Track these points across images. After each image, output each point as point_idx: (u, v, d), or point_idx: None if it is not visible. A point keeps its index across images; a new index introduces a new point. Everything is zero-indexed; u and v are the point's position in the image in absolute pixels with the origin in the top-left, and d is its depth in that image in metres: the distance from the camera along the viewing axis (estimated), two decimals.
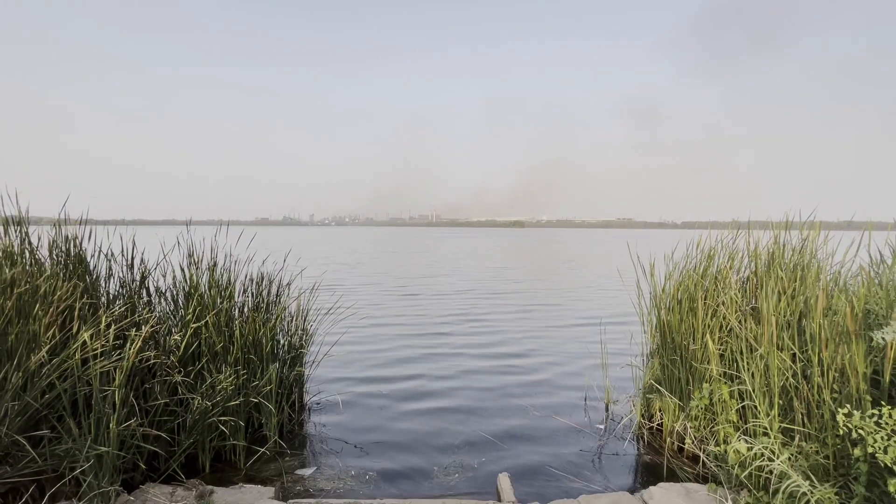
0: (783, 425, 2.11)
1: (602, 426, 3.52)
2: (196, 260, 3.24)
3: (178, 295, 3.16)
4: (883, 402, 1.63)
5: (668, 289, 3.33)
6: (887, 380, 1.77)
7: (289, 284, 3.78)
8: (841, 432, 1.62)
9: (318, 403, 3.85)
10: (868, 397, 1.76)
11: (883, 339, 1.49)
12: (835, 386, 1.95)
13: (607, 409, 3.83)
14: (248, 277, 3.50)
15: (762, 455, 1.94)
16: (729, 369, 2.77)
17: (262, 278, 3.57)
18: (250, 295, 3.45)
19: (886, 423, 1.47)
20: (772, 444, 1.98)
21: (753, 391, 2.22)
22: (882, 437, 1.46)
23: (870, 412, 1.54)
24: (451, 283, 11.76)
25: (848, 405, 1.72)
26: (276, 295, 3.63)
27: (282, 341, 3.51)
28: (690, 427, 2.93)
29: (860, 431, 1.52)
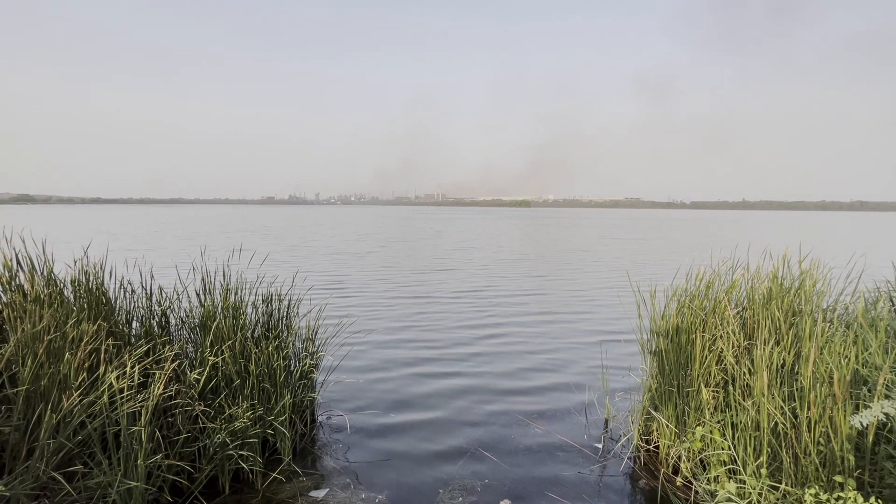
0: (771, 475, 2.20)
1: (600, 445, 3.64)
2: (209, 289, 3.40)
3: (194, 324, 3.33)
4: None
5: (667, 315, 3.40)
6: (871, 440, 1.85)
7: (298, 303, 3.94)
8: None
9: (329, 419, 4.04)
10: (851, 456, 1.84)
11: (861, 423, 1.57)
12: (821, 440, 2.03)
13: (606, 426, 3.95)
14: (259, 296, 3.65)
15: None
16: (724, 400, 2.86)
17: (272, 298, 3.72)
18: (261, 316, 3.60)
19: None
20: (757, 494, 2.08)
21: (741, 449, 2.31)
22: None
23: (836, 495, 1.63)
24: (463, 281, 11.81)
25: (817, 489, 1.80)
26: (286, 313, 3.78)
27: (294, 368, 3.67)
28: (685, 458, 3.04)
29: None
